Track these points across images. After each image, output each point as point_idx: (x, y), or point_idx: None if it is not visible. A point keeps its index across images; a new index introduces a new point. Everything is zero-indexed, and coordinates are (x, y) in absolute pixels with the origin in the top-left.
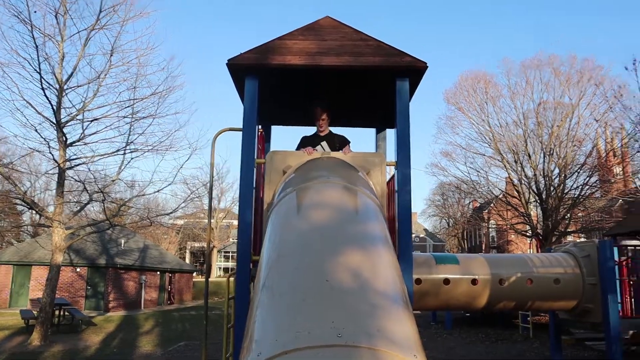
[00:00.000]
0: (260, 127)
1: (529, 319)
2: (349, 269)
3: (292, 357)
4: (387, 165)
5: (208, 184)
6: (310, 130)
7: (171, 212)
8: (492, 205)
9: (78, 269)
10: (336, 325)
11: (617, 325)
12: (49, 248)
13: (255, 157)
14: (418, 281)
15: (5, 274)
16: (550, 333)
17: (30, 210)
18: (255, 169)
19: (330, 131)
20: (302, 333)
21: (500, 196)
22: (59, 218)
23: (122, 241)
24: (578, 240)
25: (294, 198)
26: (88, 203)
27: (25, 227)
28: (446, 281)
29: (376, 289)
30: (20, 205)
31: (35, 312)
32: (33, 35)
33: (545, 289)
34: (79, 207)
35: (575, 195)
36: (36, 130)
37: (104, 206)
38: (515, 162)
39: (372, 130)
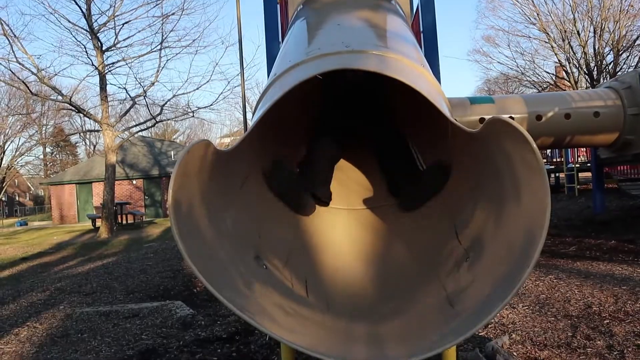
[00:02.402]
0: None
1: (576, 186)
2: (361, 19)
3: (302, 66)
4: None
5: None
6: None
7: (211, 105)
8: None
9: (134, 182)
10: (345, 42)
11: None
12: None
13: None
14: None
15: (70, 193)
16: (593, 175)
17: (83, 142)
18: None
19: None
20: (313, 51)
21: (551, 82)
22: (106, 121)
23: (172, 153)
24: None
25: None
26: (132, 106)
27: (80, 135)
28: (481, 120)
29: (389, 29)
30: (69, 109)
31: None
32: None
33: (584, 122)
34: (123, 112)
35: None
36: (70, 33)
37: (146, 104)
38: (563, 40)
39: None
